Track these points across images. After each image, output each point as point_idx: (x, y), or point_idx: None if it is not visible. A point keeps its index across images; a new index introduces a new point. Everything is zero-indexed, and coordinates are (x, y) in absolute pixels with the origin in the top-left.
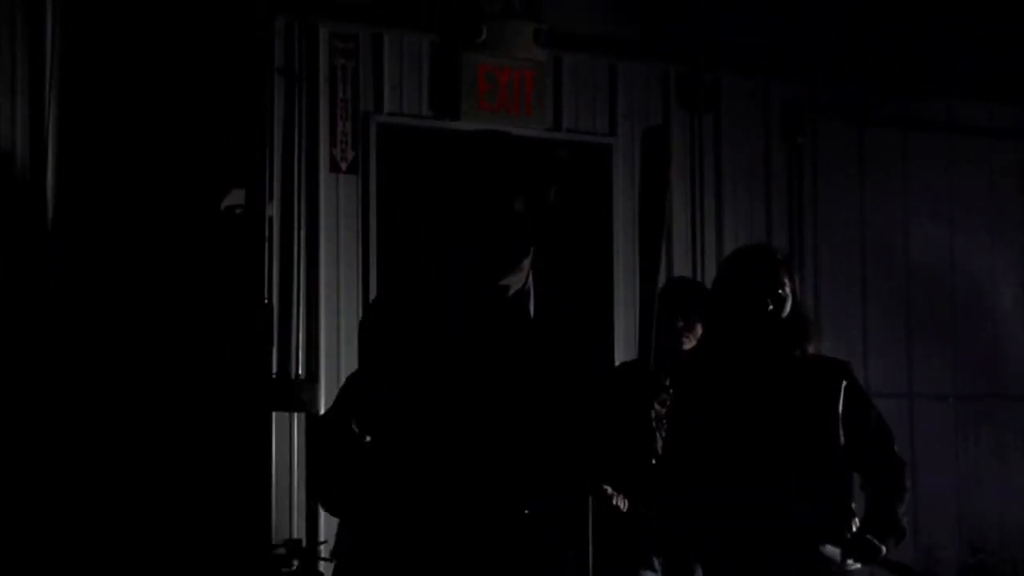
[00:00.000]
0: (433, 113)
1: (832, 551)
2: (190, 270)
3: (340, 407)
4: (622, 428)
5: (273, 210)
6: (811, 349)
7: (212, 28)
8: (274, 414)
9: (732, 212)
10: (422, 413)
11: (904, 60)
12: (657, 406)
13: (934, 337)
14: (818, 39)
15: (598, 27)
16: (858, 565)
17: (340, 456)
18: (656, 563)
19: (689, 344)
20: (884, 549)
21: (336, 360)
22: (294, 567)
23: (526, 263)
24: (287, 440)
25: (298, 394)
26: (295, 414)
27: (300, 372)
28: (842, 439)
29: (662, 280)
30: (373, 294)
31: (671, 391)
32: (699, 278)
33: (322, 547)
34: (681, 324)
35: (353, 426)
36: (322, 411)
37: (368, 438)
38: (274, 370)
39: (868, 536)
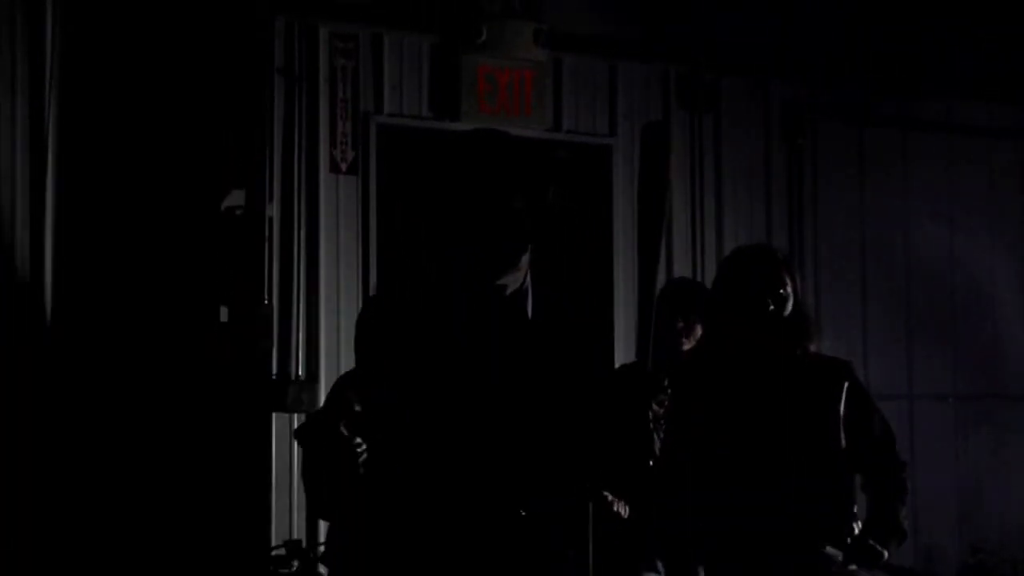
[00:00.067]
0: (433, 114)
1: (833, 552)
2: (190, 270)
3: (329, 409)
4: (620, 429)
5: (273, 210)
6: (812, 348)
7: (212, 28)
8: (274, 414)
9: (732, 212)
10: (422, 413)
11: (904, 60)
12: (655, 406)
13: (934, 337)
14: (818, 39)
15: (598, 27)
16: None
17: (330, 459)
18: (659, 565)
19: (688, 344)
20: (886, 554)
21: (336, 360)
22: (294, 567)
23: (524, 262)
24: (287, 440)
25: (298, 394)
26: (296, 414)
27: (300, 372)
28: (843, 442)
29: (662, 280)
30: (373, 293)
31: (670, 391)
32: (699, 278)
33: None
34: (681, 324)
35: (342, 428)
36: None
37: (358, 440)
38: (274, 370)
39: (870, 541)
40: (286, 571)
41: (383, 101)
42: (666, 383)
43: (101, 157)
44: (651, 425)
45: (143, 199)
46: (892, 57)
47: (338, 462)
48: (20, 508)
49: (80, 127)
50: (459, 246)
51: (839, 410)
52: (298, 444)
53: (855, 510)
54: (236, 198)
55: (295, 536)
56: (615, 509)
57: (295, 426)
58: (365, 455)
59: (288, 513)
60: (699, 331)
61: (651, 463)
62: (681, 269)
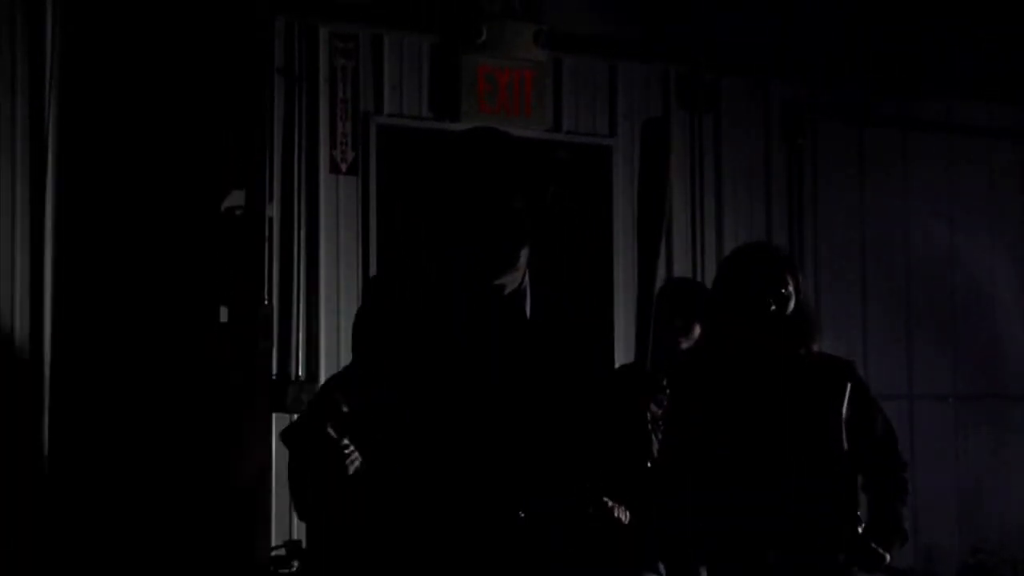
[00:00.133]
0: (433, 114)
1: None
2: (190, 271)
3: (316, 411)
4: (618, 429)
5: (273, 211)
6: (815, 348)
7: (212, 28)
8: (274, 414)
9: (732, 212)
10: (422, 413)
11: (904, 60)
12: (653, 407)
13: (934, 337)
14: (818, 39)
15: (598, 27)
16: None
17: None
18: (660, 567)
19: (686, 344)
20: (888, 557)
21: (336, 360)
22: (294, 568)
23: (522, 262)
24: None
25: (298, 394)
26: (295, 415)
27: (300, 372)
28: (845, 443)
29: (662, 280)
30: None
31: (668, 391)
32: (699, 278)
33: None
34: (678, 324)
35: (329, 430)
36: None
37: (346, 441)
38: (274, 370)
39: (872, 544)
40: (286, 571)
41: (383, 101)
42: (664, 383)
43: (101, 157)
44: (649, 425)
45: (143, 199)
46: (892, 57)
47: (325, 464)
48: (20, 508)
49: (80, 127)
50: (459, 246)
51: (841, 410)
52: (284, 446)
53: (859, 512)
54: (236, 198)
55: (295, 536)
56: (616, 515)
57: None
58: (353, 457)
59: (288, 513)
60: (697, 331)
61: (649, 463)
62: (681, 269)
